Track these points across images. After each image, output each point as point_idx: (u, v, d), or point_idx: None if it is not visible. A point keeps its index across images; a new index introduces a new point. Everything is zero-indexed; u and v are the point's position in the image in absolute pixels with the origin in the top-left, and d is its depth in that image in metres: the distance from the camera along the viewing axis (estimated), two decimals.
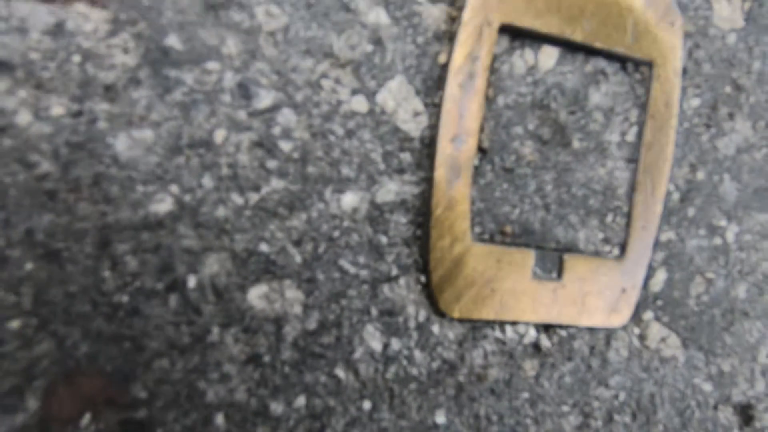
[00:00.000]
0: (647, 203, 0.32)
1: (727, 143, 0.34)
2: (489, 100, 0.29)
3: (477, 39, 0.28)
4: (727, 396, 0.35)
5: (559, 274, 0.30)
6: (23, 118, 0.24)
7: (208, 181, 0.26)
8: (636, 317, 0.33)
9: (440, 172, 0.28)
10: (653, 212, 0.32)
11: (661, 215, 0.32)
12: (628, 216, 0.32)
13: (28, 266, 0.24)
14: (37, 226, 0.24)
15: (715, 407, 0.35)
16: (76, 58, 0.24)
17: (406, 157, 0.29)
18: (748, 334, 0.36)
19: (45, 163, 0.24)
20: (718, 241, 0.35)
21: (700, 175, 0.34)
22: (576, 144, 0.31)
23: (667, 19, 0.31)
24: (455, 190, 0.28)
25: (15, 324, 0.24)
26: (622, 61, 0.32)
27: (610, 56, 0.31)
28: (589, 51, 0.31)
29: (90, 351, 0.25)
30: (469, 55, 0.28)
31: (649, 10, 0.31)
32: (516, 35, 0.30)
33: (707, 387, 0.35)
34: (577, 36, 0.30)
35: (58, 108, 0.24)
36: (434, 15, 0.29)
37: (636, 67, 0.32)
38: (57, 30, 0.24)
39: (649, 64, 0.32)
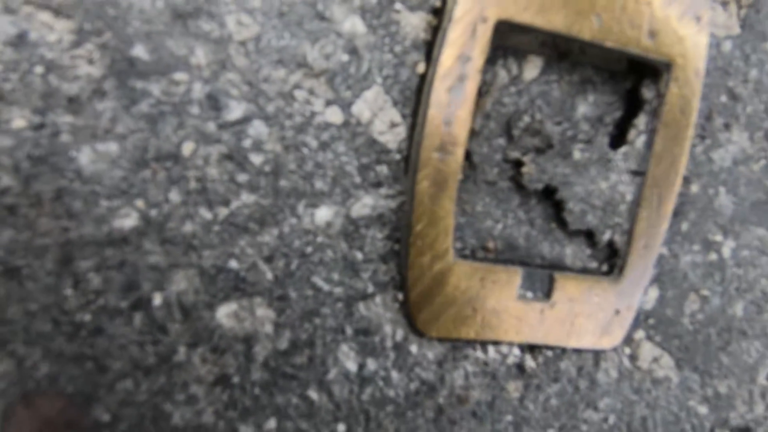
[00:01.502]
0: (651, 220, 0.30)
1: (723, 155, 0.33)
2: (478, 108, 0.28)
3: (470, 37, 0.25)
4: (725, 419, 0.34)
5: (548, 294, 0.29)
6: None
7: (175, 196, 0.25)
8: (626, 337, 0.32)
9: (423, 186, 0.26)
10: (657, 230, 0.30)
11: (665, 233, 0.30)
12: (629, 234, 0.30)
13: None
14: None
15: (712, 431, 0.34)
16: (39, 69, 0.24)
17: (383, 169, 0.28)
18: (746, 354, 0.34)
19: (5, 177, 0.23)
20: (713, 256, 0.33)
21: (694, 188, 0.33)
22: (577, 155, 0.30)
23: (692, 12, 0.28)
24: (438, 204, 0.27)
25: None
26: (611, 69, 0.30)
27: (619, 57, 0.29)
28: (576, 63, 0.30)
29: (50, 372, 0.24)
30: (460, 55, 0.25)
31: (673, 2, 0.27)
32: (498, 45, 0.29)
33: (703, 410, 0.33)
34: (585, 34, 0.27)
35: (19, 120, 0.23)
36: (413, 23, 0.28)
37: (630, 73, 0.30)
38: (19, 41, 0.23)
39: (667, 65, 0.28)
